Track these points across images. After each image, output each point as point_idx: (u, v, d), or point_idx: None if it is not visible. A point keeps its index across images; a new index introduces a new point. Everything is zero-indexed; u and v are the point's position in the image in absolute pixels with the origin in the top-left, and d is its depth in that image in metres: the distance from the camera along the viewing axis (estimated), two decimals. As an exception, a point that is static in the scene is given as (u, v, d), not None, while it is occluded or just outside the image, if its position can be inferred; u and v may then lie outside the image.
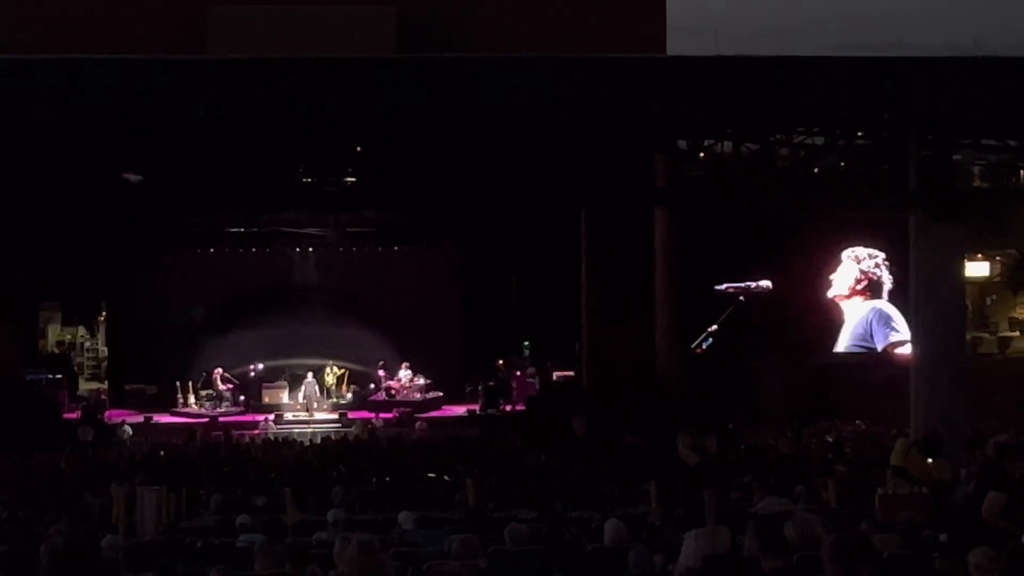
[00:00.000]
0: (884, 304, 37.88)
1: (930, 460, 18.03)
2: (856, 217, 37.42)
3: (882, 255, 37.92)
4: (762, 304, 37.75)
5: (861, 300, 38.07)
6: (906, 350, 36.69)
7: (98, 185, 30.69)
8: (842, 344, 38.31)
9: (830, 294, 37.93)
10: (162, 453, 31.10)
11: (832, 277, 37.99)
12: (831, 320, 38.47)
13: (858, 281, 37.88)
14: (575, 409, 36.99)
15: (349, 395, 41.63)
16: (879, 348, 38.01)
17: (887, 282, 37.90)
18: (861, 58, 29.66)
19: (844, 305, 38.26)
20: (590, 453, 29.90)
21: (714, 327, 37.74)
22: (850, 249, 38.03)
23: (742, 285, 37.59)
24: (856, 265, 37.93)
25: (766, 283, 37.46)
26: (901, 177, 28.31)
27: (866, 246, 38.00)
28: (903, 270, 36.84)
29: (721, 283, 37.72)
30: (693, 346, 38.05)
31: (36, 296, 42.51)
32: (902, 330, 37.09)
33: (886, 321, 37.68)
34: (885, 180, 30.70)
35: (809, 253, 38.00)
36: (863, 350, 38.25)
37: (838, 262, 38.09)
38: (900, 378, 29.06)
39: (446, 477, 24.55)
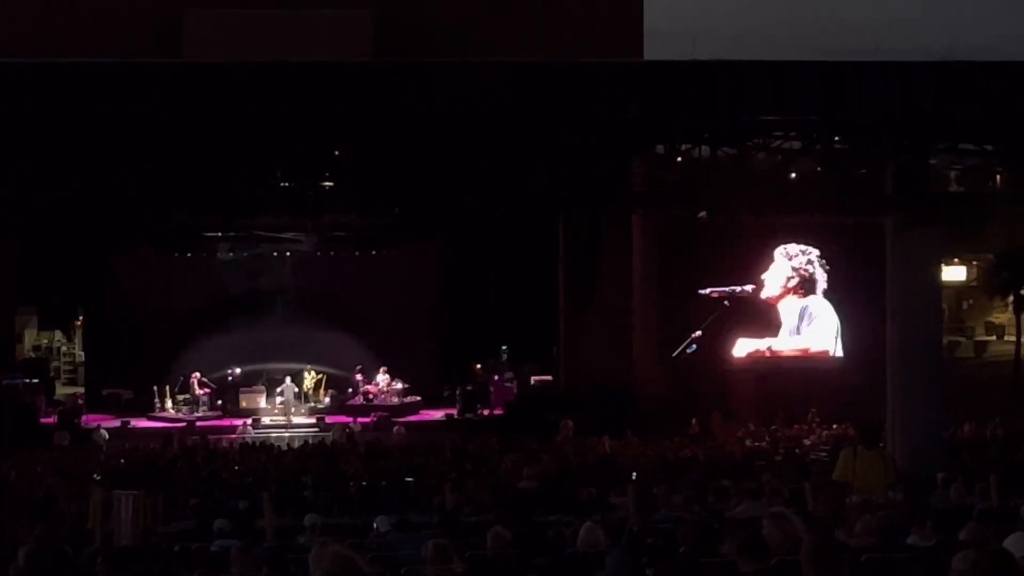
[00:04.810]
0: (815, 300, 37.51)
1: (881, 445, 18.18)
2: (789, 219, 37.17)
3: (815, 251, 37.53)
4: (744, 307, 37.63)
5: (795, 298, 37.70)
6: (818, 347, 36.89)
7: (74, 189, 30.49)
8: (781, 345, 37.93)
9: (763, 295, 37.51)
10: (122, 461, 30.88)
11: (764, 276, 37.54)
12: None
13: (789, 279, 37.55)
14: (558, 413, 36.98)
15: (327, 399, 41.57)
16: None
17: (821, 279, 37.51)
18: (838, 63, 29.66)
19: (779, 306, 37.86)
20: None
21: (698, 333, 37.60)
22: (782, 246, 37.65)
23: (727, 289, 37.45)
24: (788, 262, 37.57)
25: (750, 287, 37.32)
26: (878, 181, 28.40)
27: (798, 243, 37.61)
28: (837, 269, 36.99)
29: (702, 287, 37.56)
30: (675, 354, 37.90)
31: (12, 301, 42.39)
32: (818, 330, 37.11)
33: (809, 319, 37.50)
34: (862, 184, 30.74)
35: (746, 253, 37.70)
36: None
37: (771, 260, 37.69)
38: (878, 380, 29.09)
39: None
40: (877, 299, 29.51)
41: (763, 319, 37.61)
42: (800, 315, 37.63)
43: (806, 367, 38.05)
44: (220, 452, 32.43)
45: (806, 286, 37.46)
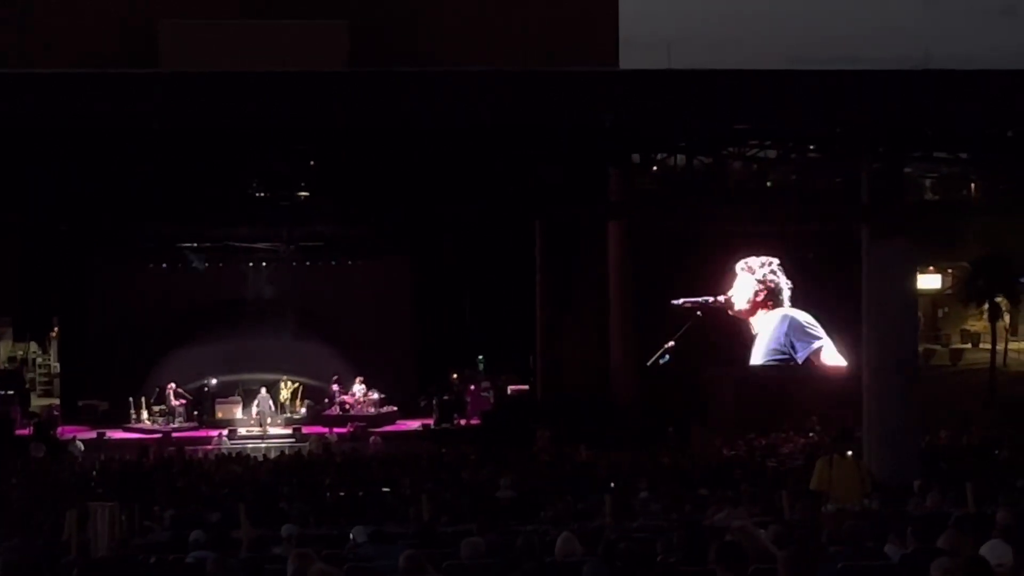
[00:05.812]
0: (793, 311, 37.30)
1: (850, 453, 18.25)
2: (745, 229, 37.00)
3: (775, 260, 37.29)
4: (717, 318, 37.56)
5: (765, 312, 37.52)
6: (828, 355, 36.66)
7: (49, 200, 30.48)
8: (757, 358, 37.72)
9: (734, 311, 37.32)
10: (96, 473, 30.74)
11: (730, 293, 37.37)
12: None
13: (757, 293, 37.39)
14: (535, 422, 36.93)
15: (303, 410, 41.48)
16: (800, 359, 37.17)
17: (785, 287, 37.32)
18: (813, 71, 29.74)
19: (752, 320, 37.68)
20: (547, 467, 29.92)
21: (671, 343, 37.55)
22: (742, 260, 37.61)
23: (700, 300, 37.36)
24: (751, 276, 37.39)
25: (723, 297, 37.24)
26: (853, 190, 28.45)
27: (757, 255, 37.45)
28: (807, 278, 36.91)
29: (678, 297, 37.48)
30: (649, 363, 37.85)
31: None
32: (820, 335, 36.86)
33: (802, 330, 37.16)
34: (837, 193, 30.80)
35: (720, 262, 37.57)
36: (781, 362, 37.65)
37: (733, 275, 37.61)
38: (855, 389, 29.13)
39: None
40: (848, 308, 29.54)
41: (736, 331, 37.53)
42: (789, 329, 37.36)
43: (782, 376, 38.04)
44: (196, 463, 32.33)
45: (773, 297, 37.27)
